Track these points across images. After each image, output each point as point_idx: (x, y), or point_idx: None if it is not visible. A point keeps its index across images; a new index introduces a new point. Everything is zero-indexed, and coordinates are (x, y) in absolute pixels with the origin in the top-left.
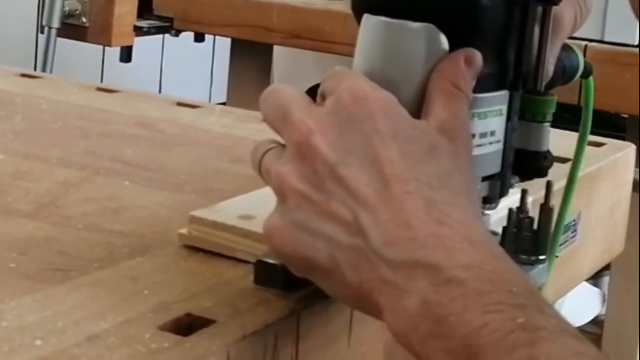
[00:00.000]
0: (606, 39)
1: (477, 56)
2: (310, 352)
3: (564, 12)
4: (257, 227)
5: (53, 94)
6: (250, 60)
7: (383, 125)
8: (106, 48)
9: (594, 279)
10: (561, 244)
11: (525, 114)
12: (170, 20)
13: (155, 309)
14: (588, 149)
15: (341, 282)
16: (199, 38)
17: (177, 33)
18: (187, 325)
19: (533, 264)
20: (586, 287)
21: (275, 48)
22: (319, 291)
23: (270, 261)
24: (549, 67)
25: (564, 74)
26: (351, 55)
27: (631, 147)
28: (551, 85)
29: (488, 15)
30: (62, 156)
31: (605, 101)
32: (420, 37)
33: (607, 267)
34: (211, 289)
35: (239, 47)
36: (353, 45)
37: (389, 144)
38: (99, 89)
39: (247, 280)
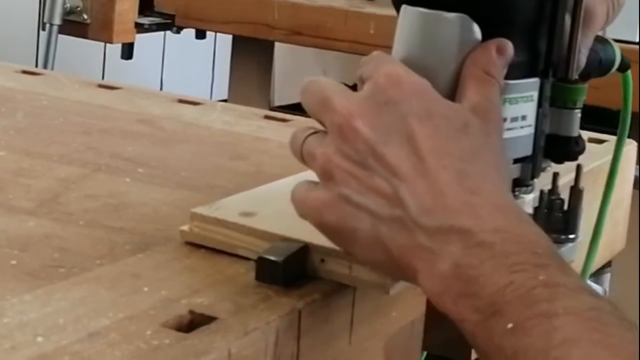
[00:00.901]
0: (607, 36)
1: (509, 45)
2: (311, 350)
3: (596, 5)
4: (258, 224)
5: (54, 91)
6: (252, 57)
7: (417, 106)
8: (107, 45)
9: (595, 276)
10: None
11: (557, 101)
12: (172, 17)
13: (157, 305)
14: (589, 146)
15: (381, 249)
16: (200, 35)
17: (179, 30)
18: (188, 322)
19: (563, 242)
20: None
21: (277, 45)
22: (320, 288)
23: (272, 258)
24: (581, 57)
25: (600, 66)
26: (352, 52)
27: (633, 144)
28: (587, 76)
29: (519, 6)
30: (63, 153)
31: (607, 98)
32: (455, 26)
33: (608, 265)
34: (212, 285)
35: (240, 44)
36: (354, 42)
37: (424, 122)
38: (100, 86)
39: (248, 277)
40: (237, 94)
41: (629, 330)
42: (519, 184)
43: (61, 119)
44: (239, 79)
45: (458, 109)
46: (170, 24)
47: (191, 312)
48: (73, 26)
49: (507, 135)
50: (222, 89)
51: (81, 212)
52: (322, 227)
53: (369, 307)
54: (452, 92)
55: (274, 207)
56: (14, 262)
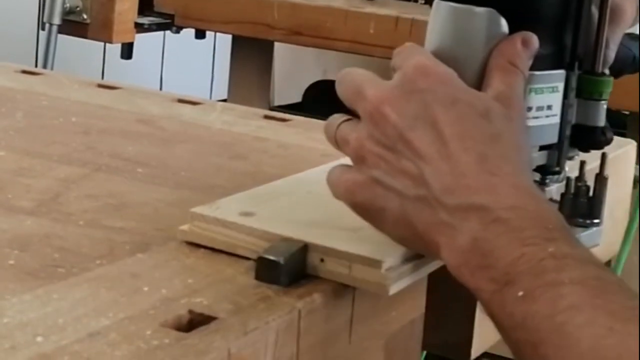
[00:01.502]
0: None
1: (534, 38)
2: (311, 349)
3: (625, 2)
4: (258, 223)
5: (54, 91)
6: (251, 57)
7: (442, 94)
8: (107, 45)
9: None
10: None
11: (583, 92)
12: (171, 17)
13: (157, 305)
14: None
15: (407, 226)
16: (200, 35)
17: (178, 30)
18: (188, 322)
19: (587, 226)
20: None
21: (276, 45)
22: (320, 288)
23: (272, 258)
24: (609, 52)
25: (633, 63)
26: (352, 51)
27: (632, 144)
28: (619, 72)
29: (545, 1)
30: (63, 153)
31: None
32: (483, 20)
33: (607, 264)
34: (212, 285)
35: (239, 44)
36: (354, 42)
37: (448, 109)
38: (100, 86)
39: (248, 277)
40: (236, 93)
41: (630, 298)
42: (546, 170)
43: (61, 119)
44: (238, 78)
45: (481, 96)
46: (169, 23)
47: (191, 311)
48: (73, 26)
49: (532, 123)
50: (221, 89)
51: (81, 212)
52: (355, 207)
53: (368, 307)
54: (480, 82)
55: (273, 206)
56: (13, 261)
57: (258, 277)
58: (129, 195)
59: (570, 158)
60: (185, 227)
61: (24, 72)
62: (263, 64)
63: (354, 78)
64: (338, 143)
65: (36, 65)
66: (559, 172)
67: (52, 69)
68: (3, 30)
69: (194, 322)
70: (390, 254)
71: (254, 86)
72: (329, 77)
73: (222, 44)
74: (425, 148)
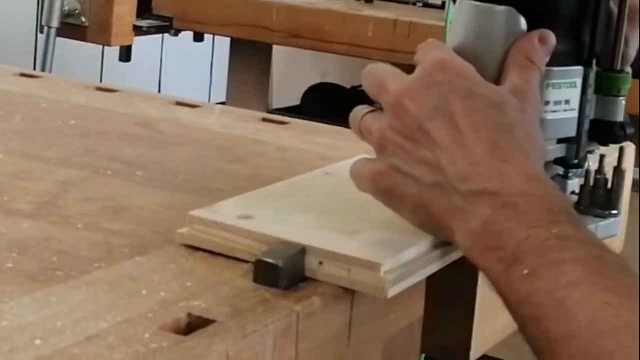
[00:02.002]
0: None
1: (551, 36)
2: (309, 352)
3: None
4: (256, 227)
5: (52, 94)
6: (250, 60)
7: (459, 87)
8: (105, 48)
9: None
10: None
11: (603, 88)
12: (170, 20)
13: (155, 308)
14: None
15: (425, 212)
16: (199, 38)
17: (177, 33)
18: (186, 325)
19: (606, 217)
20: None
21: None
22: (318, 291)
23: (271, 261)
24: (630, 51)
25: None
26: (351, 54)
27: (631, 147)
28: None
29: (563, 1)
30: (61, 156)
31: None
32: (503, 18)
33: None
34: (211, 288)
35: (238, 47)
36: (352, 44)
37: (464, 101)
38: (99, 89)
39: (246, 280)
40: (235, 96)
41: (628, 276)
42: (569, 164)
43: (59, 122)
44: (237, 81)
45: (496, 89)
46: (168, 26)
47: (189, 315)
48: (71, 29)
49: (550, 117)
50: (220, 92)
51: (80, 215)
52: (377, 194)
53: (367, 310)
54: (499, 77)
55: (272, 210)
56: (12, 265)
57: (257, 280)
58: (127, 198)
59: (591, 152)
60: (183, 230)
61: (23, 75)
62: (261, 67)
63: (378, 73)
64: (362, 133)
65: (35, 68)
66: (581, 166)
67: (50, 72)
68: (2, 33)
69: (193, 325)
70: (388, 257)
71: (253, 89)
72: (328, 80)
73: (221, 47)
74: (442, 138)
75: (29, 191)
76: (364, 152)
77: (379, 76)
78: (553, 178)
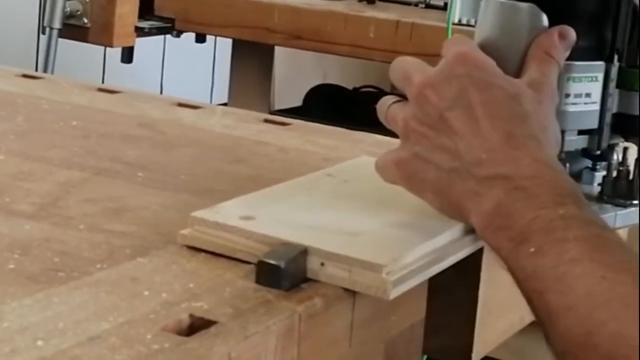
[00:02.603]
0: None
1: (570, 32)
2: (311, 354)
3: None
4: (258, 227)
5: (54, 95)
6: (252, 61)
7: (478, 79)
8: (107, 49)
9: None
10: None
11: (624, 83)
12: (172, 21)
13: (157, 309)
14: None
15: (443, 195)
16: (200, 39)
17: (179, 34)
18: (188, 326)
19: (627, 206)
20: None
21: (277, 49)
22: (320, 292)
23: (272, 262)
24: None
25: None
26: (352, 55)
27: (633, 148)
28: None
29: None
30: (63, 157)
31: None
32: (526, 15)
33: None
34: (212, 289)
35: (240, 48)
36: (354, 45)
37: (482, 92)
38: (100, 90)
39: (248, 281)
40: (237, 97)
41: (625, 253)
42: (588, 154)
43: (61, 123)
44: (238, 82)
45: (514, 81)
46: (170, 27)
47: (191, 316)
48: (73, 30)
49: (571, 108)
50: (222, 93)
51: (81, 216)
52: (400, 181)
53: (368, 311)
54: (520, 71)
55: (273, 210)
56: (14, 266)
57: (258, 281)
58: (129, 199)
59: (613, 145)
60: (185, 231)
61: (25, 76)
62: (263, 68)
63: (404, 65)
64: (388, 122)
65: (36, 69)
66: (606, 159)
67: (52, 73)
68: (3, 34)
69: (194, 326)
70: (390, 258)
71: (254, 90)
72: (329, 81)
73: (223, 48)
74: (461, 126)
75: (31, 192)
76: (365, 153)
77: (404, 68)
78: (581, 170)
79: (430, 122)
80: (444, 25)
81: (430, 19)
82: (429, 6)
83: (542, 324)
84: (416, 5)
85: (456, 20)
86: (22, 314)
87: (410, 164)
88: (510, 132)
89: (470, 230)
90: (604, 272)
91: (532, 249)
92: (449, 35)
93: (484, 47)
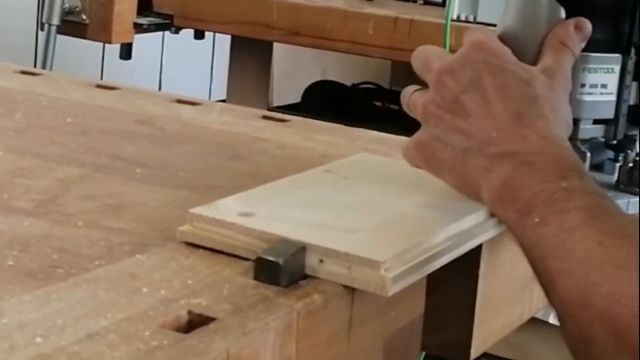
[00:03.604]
0: None
1: (586, 23)
2: (310, 350)
3: None
4: (257, 224)
5: (53, 91)
6: (250, 57)
7: (492, 64)
8: (106, 45)
9: None
10: None
11: None
12: (170, 17)
13: (156, 306)
14: None
15: (459, 174)
16: (199, 35)
17: (177, 30)
18: (187, 323)
19: None
20: None
21: (276, 45)
22: (319, 289)
23: (271, 259)
24: None
25: None
26: (351, 52)
27: None
28: None
29: None
30: (62, 153)
31: None
32: (545, 7)
33: None
34: (211, 286)
35: (239, 44)
36: (353, 42)
37: (495, 76)
38: (99, 86)
39: (247, 278)
40: (235, 94)
41: (622, 220)
42: (605, 143)
43: (60, 120)
44: (237, 79)
45: (527, 68)
46: (168, 24)
47: (190, 312)
48: (72, 26)
49: (587, 98)
50: (220, 89)
51: (80, 213)
52: (420, 162)
53: (367, 308)
54: (537, 61)
55: (272, 207)
56: (12, 262)
57: (257, 277)
58: (128, 195)
59: (632, 136)
60: (184, 227)
61: (23, 72)
62: (262, 65)
63: (424, 53)
64: (410, 108)
65: (35, 66)
66: (608, 141)
67: (51, 69)
68: (2, 31)
69: (193, 322)
70: (389, 254)
71: (253, 86)
72: (328, 77)
73: (221, 45)
74: (474, 108)
75: (30, 189)
76: (364, 149)
77: (425, 57)
78: (603, 161)
79: (447, 106)
80: (443, 21)
81: (429, 15)
82: (427, 3)
83: (543, 288)
84: (415, 1)
85: (455, 17)
86: (21, 310)
87: (428, 146)
88: (520, 112)
89: (469, 226)
90: (601, 238)
91: (537, 219)
92: (447, 32)
93: (504, 37)
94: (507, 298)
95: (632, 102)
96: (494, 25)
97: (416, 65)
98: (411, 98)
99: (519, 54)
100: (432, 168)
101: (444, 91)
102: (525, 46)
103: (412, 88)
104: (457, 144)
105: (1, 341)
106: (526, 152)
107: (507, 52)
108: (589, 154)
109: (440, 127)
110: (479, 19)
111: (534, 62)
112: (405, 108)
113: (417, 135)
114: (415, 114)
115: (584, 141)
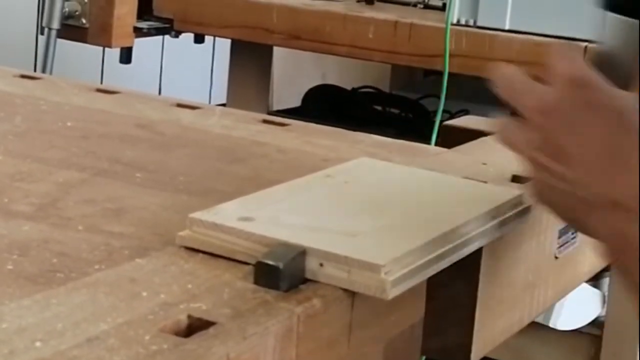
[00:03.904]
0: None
1: None
2: (310, 354)
3: None
4: (256, 228)
5: (53, 95)
6: (250, 61)
7: (594, 102)
8: (106, 49)
9: (594, 280)
10: (561, 246)
11: None
12: (170, 21)
13: (155, 310)
14: None
15: (569, 220)
16: (199, 39)
17: (177, 34)
18: (187, 327)
19: None
20: (586, 288)
21: (275, 49)
22: (319, 293)
23: (271, 263)
24: None
25: None
26: (351, 56)
27: None
28: None
29: None
30: (61, 157)
31: None
32: (636, 30)
33: (607, 269)
34: (211, 290)
35: (238, 48)
36: (353, 46)
37: (595, 116)
38: (99, 90)
39: (247, 282)
40: (235, 98)
41: None
42: None
43: (60, 124)
44: (237, 83)
45: (624, 99)
46: (168, 28)
47: (190, 317)
48: (72, 30)
49: None
50: (220, 93)
51: (80, 217)
52: (534, 197)
53: (368, 312)
54: (630, 83)
55: (272, 211)
56: (12, 266)
57: (257, 282)
58: (127, 200)
59: None
60: (183, 232)
61: (23, 76)
62: (262, 69)
63: (511, 83)
64: (506, 144)
65: (35, 70)
66: None
67: (51, 73)
68: (2, 35)
69: (193, 327)
70: (389, 258)
71: (253, 90)
72: (328, 81)
73: (221, 49)
74: (577, 152)
75: (29, 193)
76: (364, 154)
77: (513, 86)
78: None
79: (549, 150)
80: (443, 25)
81: (429, 19)
82: (427, 6)
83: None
84: (415, 5)
85: (455, 21)
86: (21, 314)
87: (536, 186)
88: (616, 152)
89: (469, 230)
90: None
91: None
92: (447, 36)
93: (599, 59)
94: (507, 302)
95: None
96: (495, 30)
97: (504, 94)
98: (510, 134)
99: (614, 76)
100: (544, 208)
101: (544, 134)
102: (621, 69)
103: (505, 120)
104: (563, 189)
105: (1, 346)
106: (627, 196)
107: (605, 86)
108: None
109: (545, 174)
110: (479, 23)
111: (627, 85)
112: (499, 139)
113: (530, 171)
114: (514, 151)
115: None
